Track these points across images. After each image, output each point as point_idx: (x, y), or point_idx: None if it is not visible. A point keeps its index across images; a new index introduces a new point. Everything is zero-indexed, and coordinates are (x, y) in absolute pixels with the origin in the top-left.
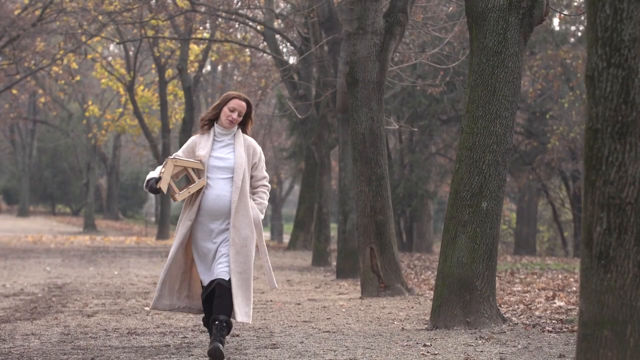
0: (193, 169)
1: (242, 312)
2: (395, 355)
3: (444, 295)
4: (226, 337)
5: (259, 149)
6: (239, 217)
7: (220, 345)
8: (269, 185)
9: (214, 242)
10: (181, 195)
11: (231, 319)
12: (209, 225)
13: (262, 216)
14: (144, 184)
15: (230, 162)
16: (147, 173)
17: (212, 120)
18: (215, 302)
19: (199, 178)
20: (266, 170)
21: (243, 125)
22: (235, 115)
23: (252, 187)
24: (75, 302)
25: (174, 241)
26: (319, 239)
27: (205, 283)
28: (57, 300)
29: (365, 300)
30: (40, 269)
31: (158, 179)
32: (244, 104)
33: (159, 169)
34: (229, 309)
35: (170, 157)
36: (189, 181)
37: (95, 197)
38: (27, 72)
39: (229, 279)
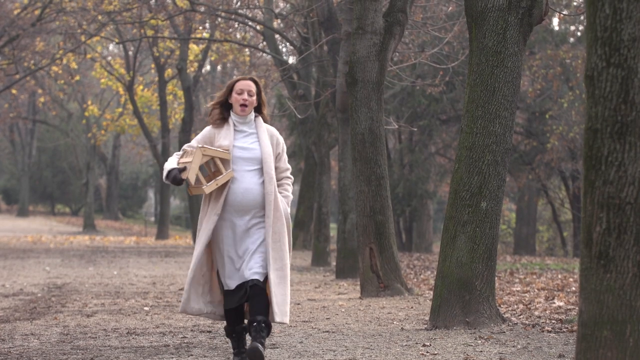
0: (220, 159)
1: (282, 312)
2: (394, 355)
3: (443, 295)
4: (266, 339)
5: (281, 139)
6: (272, 210)
7: (260, 346)
8: (292, 177)
9: (240, 241)
10: (209, 187)
11: (270, 320)
12: (234, 221)
13: (289, 209)
14: (164, 176)
15: (256, 153)
16: (147, 173)
17: (223, 111)
18: (251, 304)
19: (226, 170)
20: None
21: (258, 110)
22: (245, 95)
23: (277, 178)
24: (75, 302)
25: (199, 239)
26: (319, 238)
27: (231, 287)
28: (57, 300)
29: (364, 300)
30: (39, 269)
31: (182, 169)
32: (250, 82)
33: (174, 159)
34: (266, 309)
35: (199, 145)
36: (206, 173)
37: (94, 197)
38: (26, 71)
39: (264, 279)
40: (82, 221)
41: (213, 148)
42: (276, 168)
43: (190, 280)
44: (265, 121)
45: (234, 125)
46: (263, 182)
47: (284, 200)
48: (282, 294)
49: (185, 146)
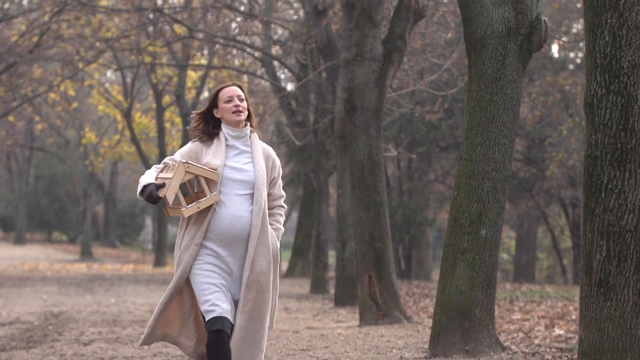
0: (205, 179)
1: None
2: None
3: (442, 323)
4: None
5: (278, 161)
6: (259, 245)
7: None
8: (285, 206)
9: (223, 274)
10: (189, 210)
11: None
12: (218, 252)
13: (278, 244)
14: (139, 191)
15: (249, 175)
16: (144, 201)
17: (208, 126)
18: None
19: (211, 191)
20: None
21: (248, 120)
22: (236, 101)
23: (268, 207)
24: (72, 331)
25: (177, 270)
26: (317, 266)
27: (221, 308)
28: (54, 328)
29: (363, 329)
30: (36, 297)
31: (160, 185)
32: (236, 87)
33: (152, 172)
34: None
35: (182, 160)
36: (187, 194)
37: (92, 225)
38: (23, 99)
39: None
40: (79, 249)
41: (198, 165)
42: (269, 194)
43: (158, 315)
44: (259, 137)
45: (226, 139)
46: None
47: (274, 233)
48: (245, 340)
49: (166, 159)
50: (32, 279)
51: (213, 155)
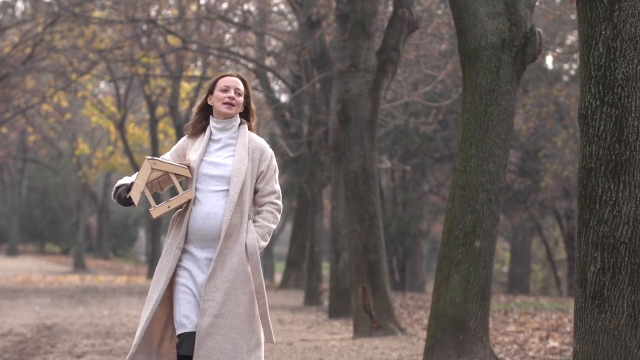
0: (178, 175)
1: None
2: None
3: (437, 335)
4: None
5: (269, 153)
6: (229, 242)
7: None
8: (279, 203)
9: (199, 276)
10: (157, 210)
11: None
12: (195, 254)
13: (264, 244)
14: (112, 193)
15: (227, 170)
16: (137, 211)
17: (202, 119)
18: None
19: (186, 189)
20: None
21: (246, 118)
22: (231, 93)
23: (257, 204)
24: (65, 343)
25: (157, 278)
26: (311, 278)
27: (187, 328)
28: (46, 340)
29: (357, 341)
30: (29, 309)
31: (130, 186)
32: (237, 79)
33: (134, 175)
34: None
35: (148, 157)
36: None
37: (85, 236)
38: (16, 110)
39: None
40: (72, 260)
41: (166, 162)
42: (257, 190)
43: (143, 332)
44: (250, 129)
45: (210, 133)
46: None
47: (256, 230)
48: (212, 347)
49: (146, 157)
50: (24, 290)
51: (194, 151)
